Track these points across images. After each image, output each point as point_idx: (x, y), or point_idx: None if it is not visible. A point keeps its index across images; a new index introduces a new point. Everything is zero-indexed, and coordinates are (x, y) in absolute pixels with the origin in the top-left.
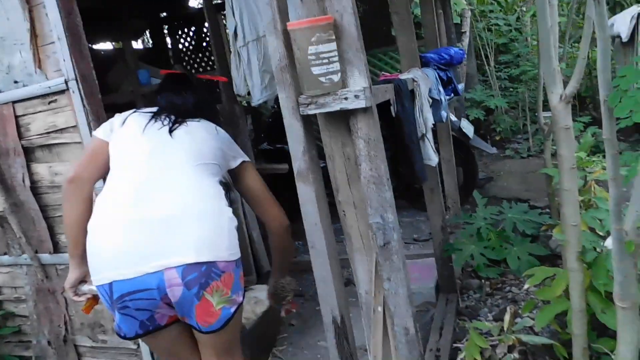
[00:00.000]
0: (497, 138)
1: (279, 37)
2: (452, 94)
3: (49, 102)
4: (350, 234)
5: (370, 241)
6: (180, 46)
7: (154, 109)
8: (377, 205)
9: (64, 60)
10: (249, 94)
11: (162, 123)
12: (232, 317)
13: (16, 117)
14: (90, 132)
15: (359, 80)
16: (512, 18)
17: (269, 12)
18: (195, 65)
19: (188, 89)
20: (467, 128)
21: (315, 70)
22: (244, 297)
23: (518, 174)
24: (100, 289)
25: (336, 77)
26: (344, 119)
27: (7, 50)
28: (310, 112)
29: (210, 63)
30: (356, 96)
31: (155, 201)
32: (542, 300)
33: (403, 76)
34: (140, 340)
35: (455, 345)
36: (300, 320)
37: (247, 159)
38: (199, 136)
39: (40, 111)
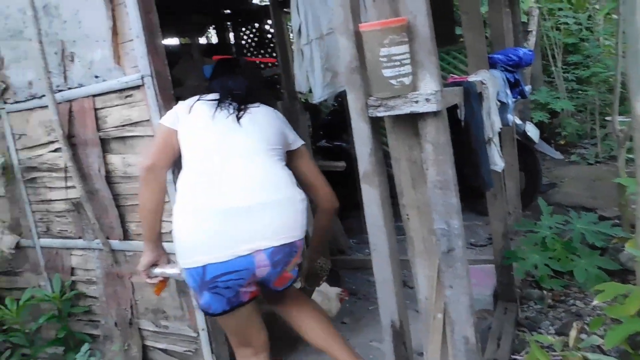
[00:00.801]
0: (562, 142)
1: (351, 38)
2: (519, 96)
3: (125, 97)
4: (412, 237)
5: (433, 246)
6: (243, 42)
7: (216, 96)
8: (442, 211)
9: (141, 57)
10: (310, 91)
11: (228, 111)
12: (297, 275)
13: (95, 109)
14: None
15: (430, 84)
16: (583, 16)
17: (340, 12)
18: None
19: (239, 72)
20: (532, 132)
21: (386, 73)
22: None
23: (584, 180)
24: (192, 271)
25: (407, 80)
26: (412, 122)
27: (90, 47)
28: (379, 115)
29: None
30: (427, 99)
31: (238, 190)
32: (612, 318)
33: (471, 78)
34: (199, 329)
35: (513, 357)
36: (352, 318)
37: (303, 142)
38: (264, 122)
39: (116, 105)
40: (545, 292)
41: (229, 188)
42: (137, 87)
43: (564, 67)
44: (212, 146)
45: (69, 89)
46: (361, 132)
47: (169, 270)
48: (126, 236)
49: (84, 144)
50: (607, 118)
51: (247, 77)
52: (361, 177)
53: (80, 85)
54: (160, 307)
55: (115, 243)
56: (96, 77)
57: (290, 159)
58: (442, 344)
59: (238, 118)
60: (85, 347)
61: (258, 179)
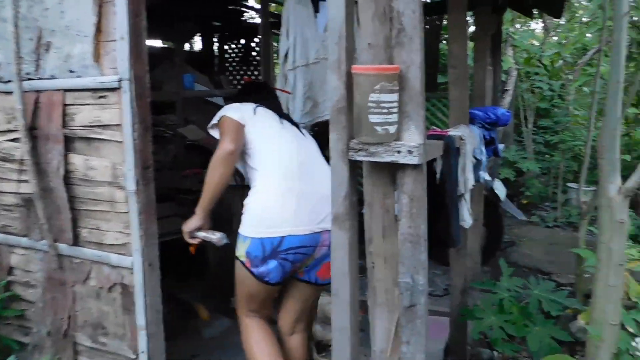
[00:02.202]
0: (525, 202)
1: (342, 78)
2: (493, 155)
3: (99, 97)
4: (375, 287)
5: (395, 299)
6: (227, 55)
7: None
8: (409, 265)
9: (122, 59)
10: None
11: (288, 121)
12: None
13: (64, 105)
14: (134, 133)
15: (414, 135)
16: (557, 84)
17: (335, 50)
18: (238, 77)
19: (271, 95)
20: (500, 189)
21: (373, 118)
22: None
23: (542, 243)
24: (265, 240)
25: (392, 129)
26: (390, 170)
27: (69, 40)
28: (359, 159)
29: (253, 77)
30: (409, 151)
31: (315, 179)
32: None
33: (452, 132)
34: (139, 351)
35: None
36: None
37: None
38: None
39: (88, 104)
40: (495, 353)
41: (309, 176)
42: (114, 89)
43: (534, 129)
44: (289, 145)
45: (40, 79)
46: (339, 173)
47: (211, 235)
48: (76, 241)
49: (46, 138)
50: (569, 184)
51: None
52: (332, 219)
53: (53, 77)
54: (101, 322)
55: (64, 247)
56: (71, 71)
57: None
58: None
59: (298, 127)
60: (11, 358)
61: (324, 175)
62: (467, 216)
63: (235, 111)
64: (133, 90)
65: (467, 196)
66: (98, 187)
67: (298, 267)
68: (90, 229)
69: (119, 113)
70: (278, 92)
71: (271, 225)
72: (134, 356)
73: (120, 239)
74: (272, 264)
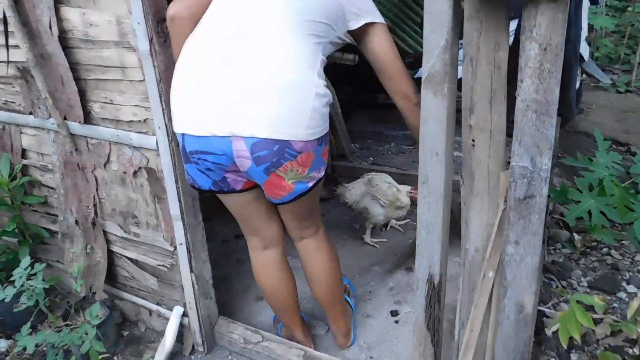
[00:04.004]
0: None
1: None
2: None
3: None
4: (474, 171)
5: (500, 187)
6: None
7: None
8: (530, 143)
9: None
10: None
11: None
12: (308, 191)
13: None
14: None
15: None
16: None
17: None
18: None
19: None
20: (584, 48)
21: None
22: (325, 171)
23: (614, 110)
24: (178, 136)
25: None
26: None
27: None
28: None
29: None
30: None
31: (239, 63)
32: None
33: None
34: (177, 243)
35: (539, 308)
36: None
37: (375, 19)
38: None
39: None
40: (574, 234)
41: (232, 59)
42: None
43: None
44: (233, 5)
45: None
46: (437, 11)
47: None
48: (88, 119)
49: None
50: None
51: None
52: (424, 80)
53: None
54: (131, 210)
55: (75, 126)
56: None
57: (358, 40)
58: (487, 306)
59: None
60: (38, 267)
61: (268, 56)
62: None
63: None
64: None
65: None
66: (104, 50)
67: (232, 175)
68: (103, 102)
69: None
70: None
71: (175, 116)
72: (171, 248)
73: (139, 115)
74: (189, 168)
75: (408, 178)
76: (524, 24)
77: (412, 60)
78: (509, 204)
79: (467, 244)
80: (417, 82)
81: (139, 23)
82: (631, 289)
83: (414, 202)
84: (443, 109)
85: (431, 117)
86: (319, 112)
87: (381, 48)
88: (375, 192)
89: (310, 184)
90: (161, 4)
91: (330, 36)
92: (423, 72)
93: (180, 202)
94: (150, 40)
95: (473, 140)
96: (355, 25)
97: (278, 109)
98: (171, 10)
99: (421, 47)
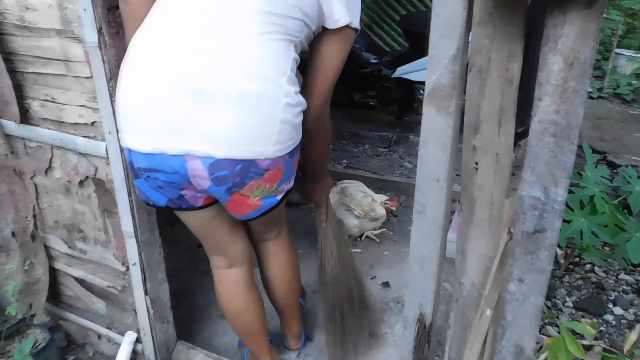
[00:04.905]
0: None
1: None
2: None
3: None
4: (475, 198)
5: (504, 216)
6: None
7: None
8: (544, 171)
9: None
10: None
11: None
12: (277, 205)
13: None
14: None
15: None
16: None
17: None
18: None
19: None
20: None
21: None
22: (295, 181)
23: (588, 117)
24: (124, 149)
25: None
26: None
27: None
28: None
29: None
30: None
31: (196, 63)
32: None
33: None
34: (130, 262)
35: None
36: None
37: (353, 24)
38: None
39: None
40: (557, 249)
41: (185, 57)
42: None
43: None
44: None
45: None
46: (448, 15)
47: None
48: (26, 118)
49: None
50: (617, 50)
51: None
52: (428, 94)
53: None
54: (76, 224)
55: (11, 125)
56: None
57: (319, 38)
58: (483, 346)
59: None
60: None
61: (229, 57)
62: None
63: None
64: None
65: None
66: (43, 39)
67: (190, 192)
68: (43, 100)
69: None
70: None
71: (120, 125)
72: (123, 268)
73: (85, 117)
74: (139, 183)
75: (384, 184)
76: (547, 33)
77: (389, 59)
78: (515, 238)
79: (463, 278)
80: (396, 80)
81: (85, 9)
82: (617, 310)
83: (390, 212)
84: (448, 129)
85: (433, 138)
86: (289, 124)
87: (339, 52)
88: (349, 202)
89: (279, 197)
90: None
91: (303, 34)
92: (427, 85)
93: (133, 217)
94: (99, 31)
95: (476, 164)
96: (332, 25)
97: (240, 122)
98: None
99: (399, 45)
